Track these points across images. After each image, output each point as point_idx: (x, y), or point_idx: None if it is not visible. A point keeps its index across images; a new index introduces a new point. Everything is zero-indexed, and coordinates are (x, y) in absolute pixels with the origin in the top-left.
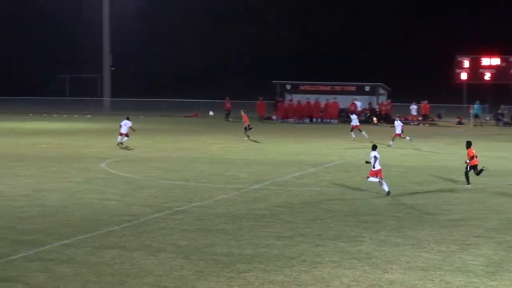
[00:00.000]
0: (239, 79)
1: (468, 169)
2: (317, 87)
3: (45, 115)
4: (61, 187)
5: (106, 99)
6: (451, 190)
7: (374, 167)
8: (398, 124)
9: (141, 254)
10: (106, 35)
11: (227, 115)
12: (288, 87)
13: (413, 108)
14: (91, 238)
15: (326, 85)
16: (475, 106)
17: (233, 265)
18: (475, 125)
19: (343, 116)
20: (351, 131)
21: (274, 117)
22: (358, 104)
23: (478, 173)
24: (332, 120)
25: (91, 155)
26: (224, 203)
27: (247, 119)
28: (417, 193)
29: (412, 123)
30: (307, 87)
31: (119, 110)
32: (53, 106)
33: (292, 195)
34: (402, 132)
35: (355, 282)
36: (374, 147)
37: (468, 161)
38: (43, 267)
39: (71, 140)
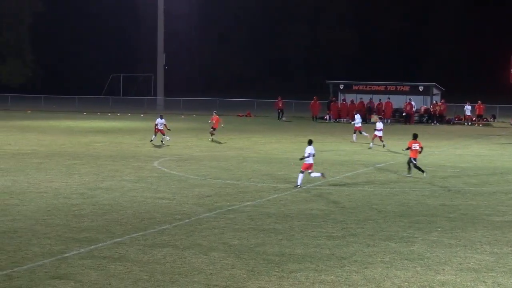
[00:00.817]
0: (294, 78)
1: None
2: (370, 87)
3: (99, 113)
4: (115, 186)
5: (160, 98)
6: (506, 191)
7: (306, 161)
8: (379, 125)
9: (192, 253)
10: (161, 34)
11: (280, 115)
12: (342, 86)
13: (467, 108)
14: (143, 236)
15: (380, 85)
16: None
17: (284, 264)
18: None
19: (397, 116)
20: (354, 133)
21: (326, 117)
22: (413, 103)
23: (415, 166)
24: (385, 120)
25: (144, 154)
26: (275, 203)
27: (217, 122)
28: (471, 193)
29: (466, 123)
30: (361, 87)
31: (172, 109)
32: (107, 105)
33: (344, 195)
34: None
35: (406, 283)
36: (310, 142)
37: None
38: (95, 264)
39: (125, 139)
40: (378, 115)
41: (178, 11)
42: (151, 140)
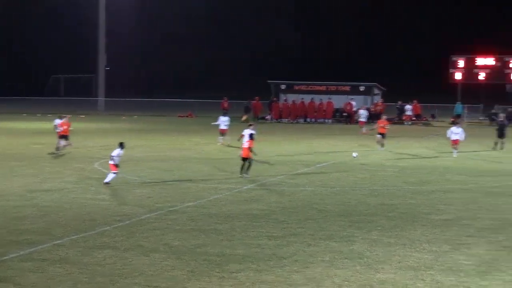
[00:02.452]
0: (236, 79)
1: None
2: (311, 87)
3: (39, 115)
4: (55, 187)
5: (101, 99)
6: (445, 190)
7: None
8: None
9: (133, 254)
10: (102, 35)
11: (225, 115)
12: (283, 87)
13: (408, 108)
14: (83, 238)
15: (321, 85)
16: (457, 106)
17: (224, 265)
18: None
19: (338, 116)
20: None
21: (268, 117)
22: (354, 103)
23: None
24: (326, 120)
25: (85, 155)
26: (217, 203)
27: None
28: (411, 192)
29: (406, 123)
30: (302, 87)
31: (113, 110)
32: (47, 106)
33: (285, 195)
34: None
35: (346, 282)
36: (121, 145)
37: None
38: (35, 267)
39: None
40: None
41: (122, 11)
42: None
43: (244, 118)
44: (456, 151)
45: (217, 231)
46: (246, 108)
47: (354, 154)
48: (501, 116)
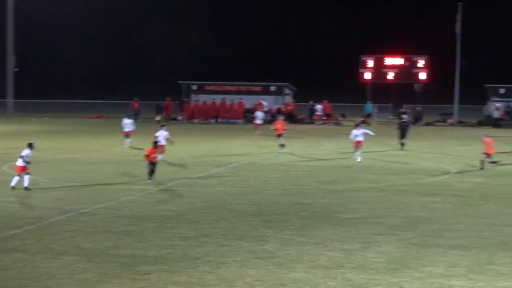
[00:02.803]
0: (146, 79)
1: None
2: (223, 87)
3: None
4: None
5: (10, 100)
6: (357, 189)
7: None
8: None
9: (43, 257)
10: (10, 35)
11: (136, 116)
12: (194, 87)
13: (319, 108)
14: None
15: (232, 85)
16: (367, 105)
17: (136, 266)
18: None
19: (249, 116)
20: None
21: (179, 118)
22: (265, 103)
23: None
24: (238, 120)
25: None
26: (128, 205)
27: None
28: (322, 192)
29: (317, 123)
30: (213, 87)
31: (23, 112)
32: None
33: (197, 196)
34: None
35: (258, 282)
36: (30, 146)
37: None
38: None
39: None
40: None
41: (32, 11)
42: None
43: (157, 118)
44: (358, 153)
45: (129, 232)
46: (158, 109)
47: (359, 159)
48: (404, 117)
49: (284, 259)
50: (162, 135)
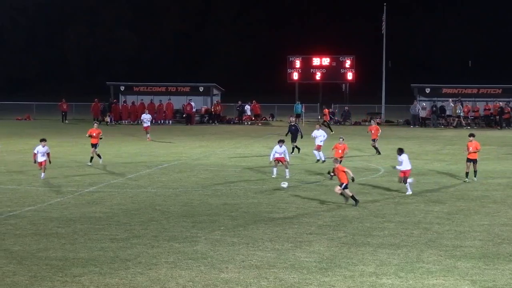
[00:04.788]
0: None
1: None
2: (151, 88)
3: None
4: None
5: None
6: (285, 189)
7: None
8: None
9: None
10: None
11: (64, 117)
12: (122, 88)
13: (247, 108)
14: None
15: (160, 86)
16: (296, 105)
17: (67, 269)
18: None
19: (178, 117)
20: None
21: (107, 119)
22: (193, 104)
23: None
24: (166, 121)
25: None
26: (58, 207)
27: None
28: (252, 192)
29: (246, 123)
30: (141, 88)
31: None
32: None
33: (127, 197)
34: None
35: (191, 283)
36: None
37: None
38: None
39: None
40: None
41: None
42: None
43: (107, 119)
44: (320, 154)
45: (58, 235)
46: (104, 110)
47: (284, 184)
48: (292, 120)
49: (216, 259)
50: (41, 151)
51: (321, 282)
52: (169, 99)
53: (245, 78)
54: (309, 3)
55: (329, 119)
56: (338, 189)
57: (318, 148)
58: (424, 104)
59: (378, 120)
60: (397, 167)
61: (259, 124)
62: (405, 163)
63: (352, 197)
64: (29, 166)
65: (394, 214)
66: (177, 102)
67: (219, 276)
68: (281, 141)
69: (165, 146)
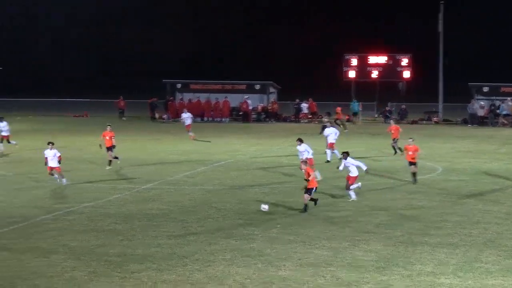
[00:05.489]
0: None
1: None
2: (207, 86)
3: None
4: None
5: None
6: (342, 187)
7: None
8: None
9: (31, 256)
10: None
11: (121, 114)
12: (179, 85)
13: (304, 106)
14: None
15: (217, 84)
16: (353, 104)
17: (125, 265)
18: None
19: (234, 115)
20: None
21: (165, 116)
22: (249, 102)
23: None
24: (223, 119)
25: None
26: (115, 203)
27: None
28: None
29: (302, 121)
30: (198, 86)
31: (6, 111)
32: None
33: (184, 194)
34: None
35: (248, 280)
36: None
37: None
38: None
39: None
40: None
41: (13, 10)
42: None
43: (157, 116)
44: (333, 152)
45: (116, 231)
46: (152, 106)
47: (265, 207)
48: (325, 120)
49: (273, 257)
50: (49, 155)
51: (378, 281)
52: (226, 97)
53: (302, 76)
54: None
55: (341, 117)
56: (306, 197)
57: (331, 146)
58: (482, 103)
59: (435, 119)
60: (341, 167)
61: (316, 122)
62: (352, 168)
63: (311, 200)
64: (86, 163)
65: (452, 213)
66: (234, 100)
67: (276, 274)
68: (299, 140)
69: (221, 144)
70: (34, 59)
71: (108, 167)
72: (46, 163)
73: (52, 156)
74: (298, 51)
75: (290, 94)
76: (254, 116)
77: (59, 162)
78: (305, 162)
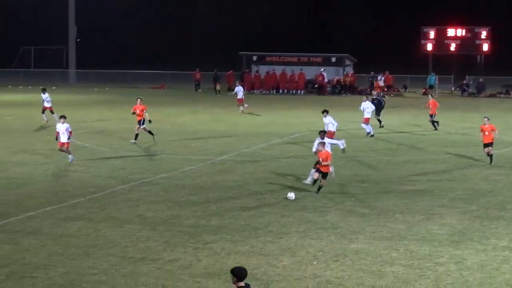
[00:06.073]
0: (208, 50)
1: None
2: (283, 58)
3: (10, 86)
4: (27, 159)
5: (72, 70)
6: (416, 161)
7: None
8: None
9: (107, 226)
10: (72, 7)
11: (197, 86)
12: (255, 58)
13: (381, 79)
14: (57, 210)
15: (293, 56)
16: (430, 77)
17: (199, 236)
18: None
19: (310, 87)
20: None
21: (219, 87)
22: (325, 74)
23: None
24: (298, 91)
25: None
26: (190, 175)
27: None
28: (384, 163)
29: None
30: (274, 58)
31: (85, 82)
32: (18, 77)
33: (258, 166)
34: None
35: (320, 252)
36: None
37: None
38: (8, 239)
39: (36, 112)
40: None
41: None
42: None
43: (218, 88)
44: (368, 126)
45: (191, 202)
46: (215, 78)
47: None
48: (375, 94)
49: (346, 230)
50: (60, 129)
51: (452, 255)
52: (301, 69)
53: (378, 49)
54: None
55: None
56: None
57: (366, 121)
58: None
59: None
60: (314, 149)
61: (391, 95)
62: (328, 148)
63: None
64: (163, 134)
65: None
66: (310, 72)
67: (349, 247)
68: (325, 111)
69: (297, 116)
70: (111, 31)
71: (132, 141)
72: (57, 138)
73: (64, 131)
74: (375, 23)
75: (366, 67)
76: (329, 89)
77: (69, 138)
78: (323, 143)
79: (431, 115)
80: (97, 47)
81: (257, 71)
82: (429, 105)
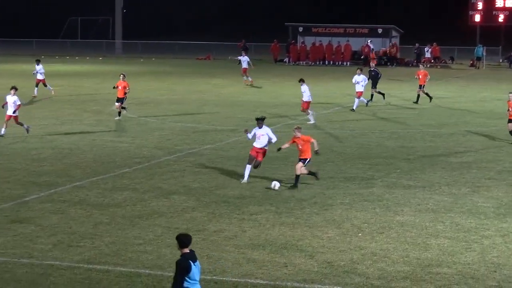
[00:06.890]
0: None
1: None
2: (329, 30)
3: (57, 57)
4: (74, 129)
5: (118, 41)
6: (463, 133)
7: None
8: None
9: (152, 196)
10: None
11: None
12: (301, 29)
13: (428, 50)
14: (103, 180)
15: (339, 27)
16: (478, 48)
17: (244, 207)
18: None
19: (356, 58)
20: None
21: (285, 60)
22: (372, 46)
23: None
24: (344, 62)
25: (103, 98)
26: (235, 146)
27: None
28: (430, 135)
29: (425, 65)
30: (320, 30)
31: (131, 53)
32: (65, 48)
33: None
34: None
35: (365, 224)
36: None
37: None
38: (55, 208)
39: (83, 83)
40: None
41: None
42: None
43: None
44: (360, 100)
45: (236, 173)
46: (244, 48)
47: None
48: (372, 66)
49: (391, 202)
50: (9, 101)
51: (498, 228)
52: (347, 40)
53: (425, 20)
54: None
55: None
56: (300, 166)
57: (359, 95)
58: None
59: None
60: (249, 135)
61: (438, 66)
62: (263, 138)
63: (310, 173)
64: (209, 105)
65: None
66: (356, 44)
67: (394, 219)
68: (301, 80)
69: (342, 88)
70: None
71: (117, 118)
72: (3, 106)
73: (11, 103)
74: None
75: (414, 39)
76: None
77: (15, 111)
78: (299, 128)
79: (420, 86)
80: (143, 18)
81: (302, 42)
82: (418, 75)
